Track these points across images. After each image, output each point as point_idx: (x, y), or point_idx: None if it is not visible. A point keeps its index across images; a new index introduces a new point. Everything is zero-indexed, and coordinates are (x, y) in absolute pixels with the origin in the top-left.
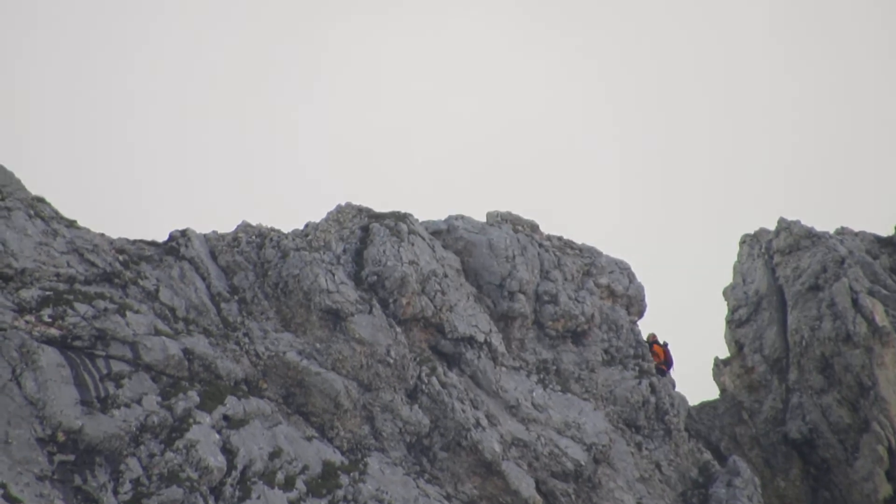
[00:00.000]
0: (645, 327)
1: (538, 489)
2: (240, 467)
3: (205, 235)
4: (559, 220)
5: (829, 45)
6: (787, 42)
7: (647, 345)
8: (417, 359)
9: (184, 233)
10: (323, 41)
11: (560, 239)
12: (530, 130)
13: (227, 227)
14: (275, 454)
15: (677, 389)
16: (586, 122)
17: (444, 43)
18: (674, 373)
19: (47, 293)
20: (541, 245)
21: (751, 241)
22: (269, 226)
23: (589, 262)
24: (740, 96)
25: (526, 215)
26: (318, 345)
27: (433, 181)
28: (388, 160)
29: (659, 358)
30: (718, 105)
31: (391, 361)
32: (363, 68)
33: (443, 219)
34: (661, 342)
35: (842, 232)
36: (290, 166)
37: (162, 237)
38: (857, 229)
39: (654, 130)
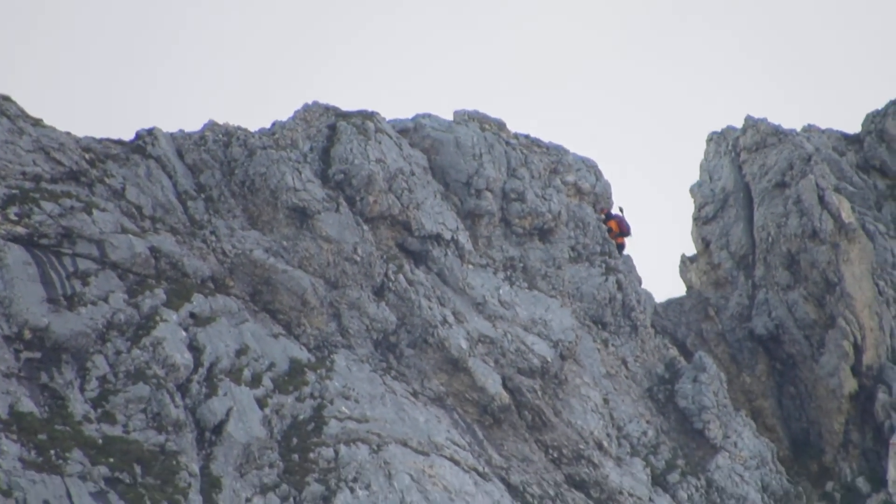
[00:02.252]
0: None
1: (504, 386)
2: (206, 364)
3: (171, 134)
4: (525, 119)
5: None
6: None
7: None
8: (384, 256)
9: (150, 131)
10: None
11: (527, 137)
12: (497, 30)
13: (194, 125)
14: (241, 351)
15: (643, 286)
16: (549, 18)
17: None
18: (631, 240)
19: (13, 192)
20: (508, 143)
21: (717, 139)
22: (235, 124)
23: (556, 160)
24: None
25: (493, 114)
26: (284, 242)
27: (401, 80)
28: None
29: (614, 231)
30: (684, 1)
31: (358, 259)
32: None
33: (410, 117)
34: (615, 213)
35: (808, 129)
36: (257, 64)
37: (129, 136)
38: (823, 127)
39: (618, 27)
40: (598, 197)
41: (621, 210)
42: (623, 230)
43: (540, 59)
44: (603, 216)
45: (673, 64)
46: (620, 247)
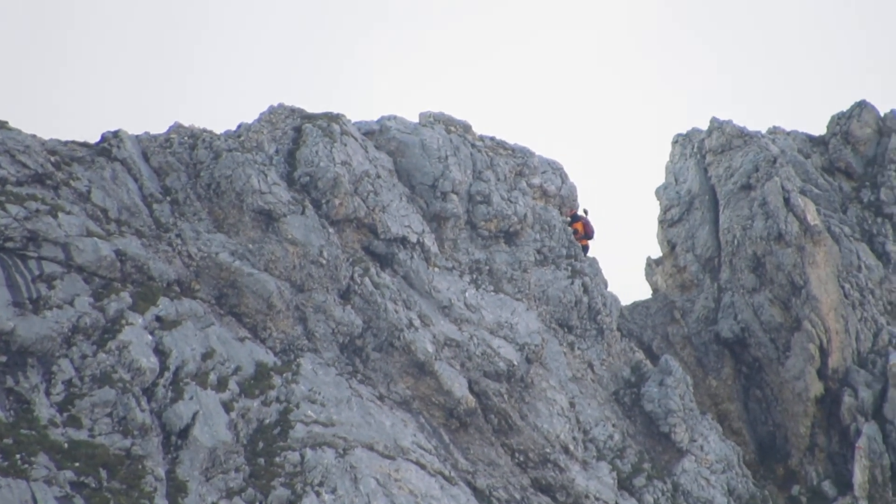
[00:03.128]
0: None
1: (471, 389)
2: (172, 368)
3: (137, 136)
4: (492, 121)
5: None
6: None
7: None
8: (350, 259)
9: (116, 134)
10: None
11: (493, 139)
12: (466, 31)
13: (159, 128)
14: (207, 355)
15: (609, 289)
16: (518, 19)
17: None
18: (595, 242)
19: None
20: (473, 145)
21: (683, 141)
22: (201, 127)
23: (521, 162)
24: None
25: (459, 116)
26: (250, 246)
27: (367, 81)
28: (321, 61)
29: (579, 233)
30: (653, 3)
31: (324, 262)
32: None
33: (375, 119)
34: (580, 214)
35: (774, 131)
36: (224, 66)
37: (94, 138)
38: (789, 129)
39: (587, 28)
40: (564, 199)
41: (586, 212)
42: (588, 233)
43: (504, 60)
44: (569, 218)
45: (638, 66)
46: (585, 249)
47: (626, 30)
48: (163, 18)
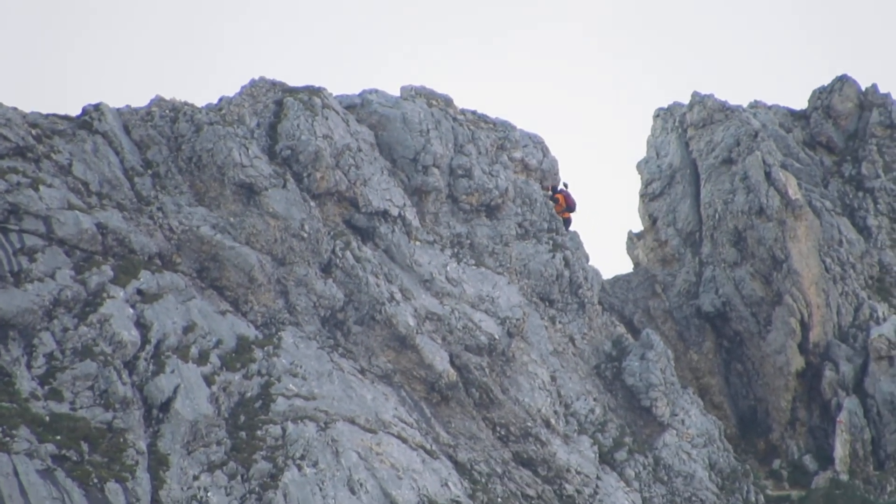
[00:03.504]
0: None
1: (452, 363)
2: (154, 341)
3: (118, 110)
4: (473, 94)
5: None
6: None
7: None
8: (331, 233)
9: (97, 107)
10: None
11: (474, 113)
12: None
13: (141, 101)
14: (189, 328)
15: (591, 263)
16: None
17: None
18: (576, 215)
19: None
20: (455, 119)
21: (664, 115)
22: (182, 100)
23: (503, 136)
24: None
25: (440, 90)
26: (231, 219)
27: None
28: (300, 35)
29: (560, 205)
30: None
31: (305, 235)
32: None
33: (357, 93)
34: (560, 187)
35: (755, 105)
36: (206, 38)
37: (76, 111)
38: (770, 103)
39: (567, 4)
40: (545, 173)
41: (566, 185)
42: (570, 205)
43: (486, 32)
44: (550, 191)
45: (619, 38)
46: (567, 221)
47: (606, 2)
48: None
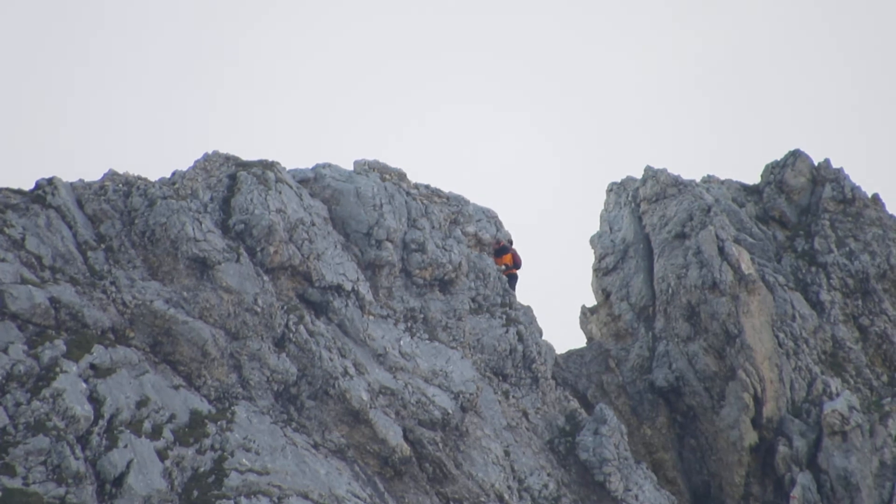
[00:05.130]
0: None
1: (406, 438)
2: (107, 416)
3: (71, 184)
4: (426, 169)
5: None
6: None
7: (507, 279)
8: (285, 307)
9: (50, 181)
10: None
11: (427, 187)
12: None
13: (93, 175)
14: (142, 403)
15: (544, 337)
16: (449, 70)
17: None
18: (529, 292)
19: None
20: (408, 193)
21: (617, 189)
22: (136, 174)
23: (456, 210)
24: (619, 40)
25: (393, 164)
26: (185, 293)
27: (300, 128)
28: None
29: (508, 264)
30: (591, 53)
31: (259, 310)
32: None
33: (310, 167)
34: (506, 245)
35: (708, 180)
36: (161, 113)
37: (28, 185)
38: (723, 177)
39: (521, 74)
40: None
41: (510, 242)
42: (516, 262)
43: (439, 106)
44: (495, 249)
45: (573, 113)
46: (513, 278)
47: (557, 75)
48: (95, 63)
